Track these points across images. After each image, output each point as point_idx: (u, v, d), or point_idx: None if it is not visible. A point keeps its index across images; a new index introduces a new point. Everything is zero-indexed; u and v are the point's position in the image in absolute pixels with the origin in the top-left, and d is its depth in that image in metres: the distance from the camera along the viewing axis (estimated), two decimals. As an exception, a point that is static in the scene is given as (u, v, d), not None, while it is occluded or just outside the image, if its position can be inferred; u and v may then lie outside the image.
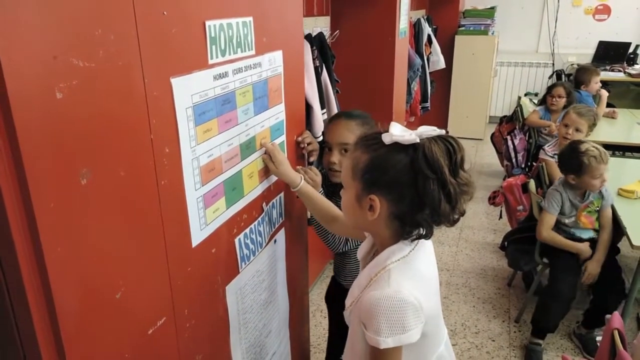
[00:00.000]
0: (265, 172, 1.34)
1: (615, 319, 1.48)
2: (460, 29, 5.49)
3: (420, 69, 4.06)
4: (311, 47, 2.38)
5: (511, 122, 4.17)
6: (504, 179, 3.70)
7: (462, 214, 0.96)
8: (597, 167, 2.24)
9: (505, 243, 2.84)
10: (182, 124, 0.96)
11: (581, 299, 2.78)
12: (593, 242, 2.38)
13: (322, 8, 2.84)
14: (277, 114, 1.37)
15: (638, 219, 2.27)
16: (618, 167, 3.04)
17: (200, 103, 1.01)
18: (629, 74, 5.32)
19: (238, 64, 1.13)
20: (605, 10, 5.77)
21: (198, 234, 1.06)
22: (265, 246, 1.40)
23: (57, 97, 0.69)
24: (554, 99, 3.67)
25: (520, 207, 3.01)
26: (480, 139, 5.74)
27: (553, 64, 6.01)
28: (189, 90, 0.97)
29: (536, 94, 5.80)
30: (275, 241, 1.46)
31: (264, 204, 1.36)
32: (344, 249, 1.58)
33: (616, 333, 1.43)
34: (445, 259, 3.28)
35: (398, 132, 0.92)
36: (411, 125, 0.96)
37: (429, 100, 4.50)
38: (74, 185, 0.73)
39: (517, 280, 3.03)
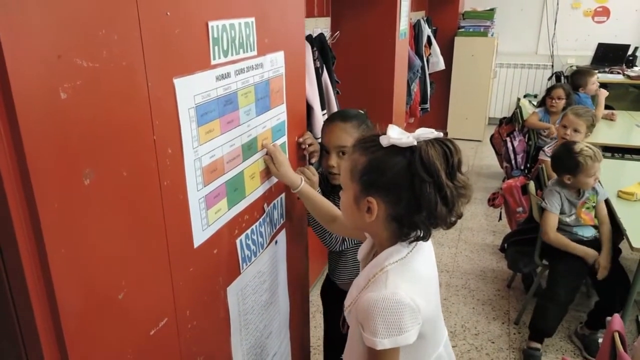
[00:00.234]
0: (267, 173, 1.34)
1: (616, 321, 1.48)
2: (460, 30, 5.50)
3: (420, 70, 4.07)
4: (312, 48, 2.38)
5: (510, 123, 4.18)
6: (503, 181, 3.70)
7: (460, 216, 0.96)
8: (592, 165, 2.29)
9: (505, 245, 2.84)
10: (185, 124, 0.96)
11: (580, 301, 2.79)
12: (594, 244, 2.38)
13: (323, 9, 2.84)
14: (279, 114, 1.37)
15: (638, 221, 2.28)
16: (617, 169, 3.05)
17: (202, 104, 1.01)
18: (628, 76, 5.33)
19: (240, 64, 1.13)
20: (605, 12, 5.78)
21: (200, 235, 1.06)
22: (267, 247, 1.40)
23: (61, 97, 0.69)
24: (553, 101, 3.67)
25: (520, 209, 3.02)
26: (480, 141, 5.75)
27: (552, 66, 6.02)
28: (191, 90, 0.97)
29: (535, 96, 5.81)
30: (276, 242, 1.46)
31: (265, 204, 1.36)
32: (340, 248, 1.58)
33: (617, 335, 1.43)
34: (445, 261, 3.28)
35: (395, 134, 0.93)
36: (411, 127, 0.96)
37: (428, 102, 4.51)
38: (77, 185, 0.73)
39: (517, 282, 3.03)
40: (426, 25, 4.51)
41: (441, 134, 0.95)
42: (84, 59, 0.71)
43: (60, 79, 0.68)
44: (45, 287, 0.72)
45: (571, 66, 5.81)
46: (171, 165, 0.94)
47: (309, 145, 1.54)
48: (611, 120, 4.04)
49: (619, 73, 5.41)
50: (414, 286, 0.95)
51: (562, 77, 5.64)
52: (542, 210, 2.44)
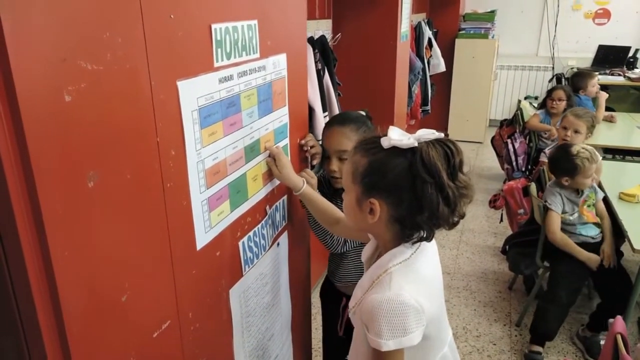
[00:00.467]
0: (269, 175, 1.34)
1: (618, 323, 1.48)
2: (461, 32, 5.50)
3: (420, 72, 4.07)
4: (313, 50, 2.38)
5: (511, 125, 4.18)
6: (504, 182, 3.70)
7: (462, 217, 0.96)
8: (590, 167, 2.32)
9: (506, 247, 2.84)
10: (188, 126, 0.96)
11: (582, 303, 2.78)
12: (598, 247, 2.39)
13: (324, 11, 2.85)
14: (281, 116, 1.37)
15: (639, 223, 2.28)
16: (618, 171, 3.05)
17: (205, 106, 1.01)
18: (629, 78, 5.33)
19: (243, 67, 1.13)
20: (605, 14, 5.79)
21: (203, 237, 1.06)
22: (269, 249, 1.40)
23: (65, 100, 0.69)
24: (554, 102, 3.67)
25: (521, 211, 3.02)
26: (481, 142, 5.75)
27: (553, 68, 6.02)
28: (194, 93, 0.97)
29: (536, 98, 5.81)
30: (278, 244, 1.46)
31: (268, 207, 1.36)
32: (342, 250, 1.58)
33: (619, 337, 1.43)
34: (446, 262, 3.28)
35: (396, 136, 0.93)
36: (412, 128, 0.96)
37: (429, 104, 4.51)
38: (81, 187, 0.73)
39: (519, 284, 3.03)
40: (427, 27, 4.51)
41: (442, 135, 0.95)
42: (88, 62, 0.72)
43: (64, 82, 0.69)
44: (49, 289, 0.72)
45: (572, 68, 5.82)
46: (174, 167, 0.94)
47: (311, 147, 1.54)
48: (611, 122, 4.04)
49: (619, 75, 5.41)
50: (418, 287, 0.95)
51: (563, 79, 5.65)
52: (544, 211, 2.44)
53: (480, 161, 5.27)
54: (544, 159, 3.03)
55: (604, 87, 4.25)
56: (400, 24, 2.92)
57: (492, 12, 5.62)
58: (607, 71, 5.49)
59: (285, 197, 1.47)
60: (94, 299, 0.79)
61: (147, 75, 0.84)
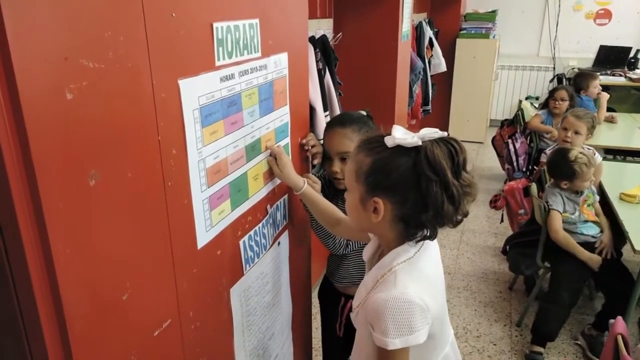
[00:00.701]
0: (270, 174, 1.34)
1: (619, 324, 1.48)
2: (462, 32, 5.50)
3: (421, 72, 4.07)
4: (314, 49, 2.38)
5: (512, 125, 4.17)
6: (505, 183, 3.70)
7: (465, 215, 0.96)
8: (588, 172, 2.36)
9: (507, 247, 2.84)
10: (189, 125, 0.96)
11: (583, 303, 2.78)
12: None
13: (325, 10, 2.85)
14: (282, 116, 1.37)
15: (640, 224, 2.28)
16: (619, 171, 3.05)
17: (207, 105, 1.01)
18: (630, 79, 5.33)
19: (244, 66, 1.13)
20: (606, 14, 5.78)
21: (203, 236, 1.06)
22: (269, 248, 1.40)
23: (67, 98, 0.69)
24: (556, 102, 3.67)
25: (522, 211, 3.02)
26: (481, 143, 5.75)
27: (554, 68, 6.02)
28: (196, 92, 0.97)
29: (537, 98, 5.81)
30: (279, 243, 1.46)
31: (269, 206, 1.36)
32: (344, 252, 1.57)
33: (620, 338, 1.43)
34: (447, 262, 3.28)
35: (400, 135, 0.93)
36: (412, 128, 0.96)
37: (430, 103, 4.51)
38: (82, 186, 0.73)
39: (519, 284, 3.03)
40: (428, 27, 4.51)
41: (445, 134, 0.95)
42: (90, 60, 0.72)
43: (66, 80, 0.68)
44: (51, 287, 0.72)
45: (573, 68, 5.81)
46: (175, 166, 0.94)
47: (312, 146, 1.54)
48: (612, 122, 4.04)
49: (620, 75, 5.41)
50: (423, 285, 0.96)
51: (564, 80, 5.64)
52: (546, 211, 2.44)
53: (481, 161, 5.27)
54: (544, 159, 3.02)
55: (605, 88, 4.25)
56: (402, 24, 2.92)
57: (493, 12, 5.61)
58: (608, 72, 5.48)
59: (286, 197, 1.47)
60: (95, 297, 0.79)
61: (148, 73, 0.84)
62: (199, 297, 1.08)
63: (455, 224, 0.97)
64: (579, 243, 2.39)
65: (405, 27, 3.05)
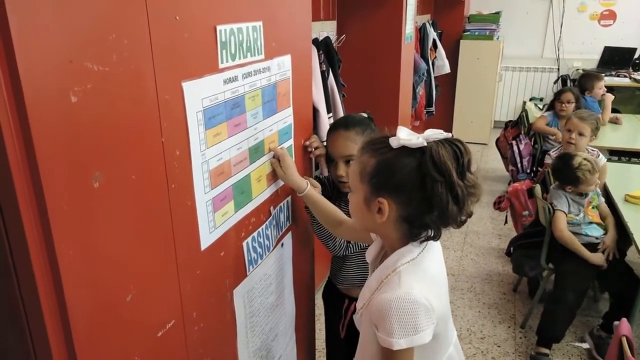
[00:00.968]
0: (273, 176, 1.35)
1: (624, 325, 1.47)
2: (465, 33, 5.49)
3: (425, 74, 4.07)
4: (318, 51, 2.39)
5: (516, 127, 4.17)
6: (509, 184, 3.69)
7: (470, 215, 0.97)
8: (592, 178, 2.38)
9: (511, 249, 2.83)
10: (193, 127, 0.97)
11: (587, 305, 2.77)
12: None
13: (329, 12, 2.85)
14: (286, 117, 1.38)
15: (645, 225, 2.27)
16: (624, 173, 3.04)
17: (210, 107, 1.01)
18: (635, 80, 5.31)
19: (247, 68, 1.14)
20: (611, 15, 5.77)
21: (207, 237, 1.07)
22: (273, 250, 1.40)
23: (72, 101, 0.69)
24: (563, 105, 3.65)
25: (526, 213, 3.01)
26: (485, 144, 5.74)
27: (558, 69, 6.01)
28: (199, 94, 0.97)
29: (541, 99, 5.80)
30: (282, 245, 1.47)
31: (272, 207, 1.37)
32: (345, 253, 1.57)
33: (624, 340, 1.42)
34: (450, 264, 3.27)
35: (405, 135, 0.93)
36: (416, 130, 0.96)
37: (434, 105, 4.50)
38: (86, 188, 0.74)
39: (523, 286, 3.02)
40: (432, 29, 4.51)
41: (450, 135, 0.95)
42: (94, 63, 0.72)
43: (70, 83, 0.69)
44: (55, 288, 0.72)
45: (577, 70, 5.80)
46: (179, 168, 0.94)
47: (315, 148, 1.55)
48: (616, 123, 4.02)
49: (625, 76, 5.39)
50: (427, 285, 0.96)
51: (568, 81, 5.62)
52: (550, 213, 2.44)
53: (485, 163, 5.26)
54: (549, 160, 3.02)
55: (609, 89, 4.23)
56: (405, 26, 2.92)
57: (497, 13, 5.60)
58: (613, 73, 5.47)
59: (289, 198, 1.47)
60: (99, 298, 0.79)
61: (152, 76, 0.84)
62: (203, 298, 1.09)
63: (459, 224, 0.97)
64: (582, 244, 2.39)
65: (409, 28, 3.05)
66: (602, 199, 2.54)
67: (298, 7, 1.39)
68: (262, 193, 1.29)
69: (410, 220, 0.96)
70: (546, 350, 2.38)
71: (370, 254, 1.13)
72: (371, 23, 2.91)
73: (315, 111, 2.28)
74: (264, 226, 1.33)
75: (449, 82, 5.41)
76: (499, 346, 2.53)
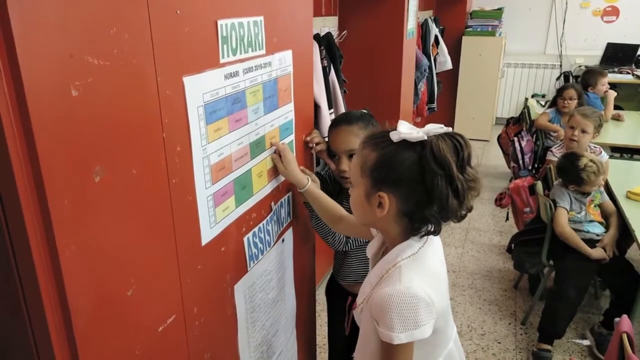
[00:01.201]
0: (274, 171, 1.35)
1: (624, 322, 1.47)
2: (468, 29, 5.48)
3: (427, 70, 4.05)
4: (319, 46, 2.38)
5: (518, 123, 4.16)
6: (510, 181, 3.69)
7: (470, 209, 0.97)
8: (597, 179, 2.39)
9: (512, 245, 2.83)
10: (194, 122, 0.96)
11: (588, 302, 2.77)
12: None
13: (330, 8, 2.84)
14: (287, 113, 1.37)
15: (647, 222, 2.27)
16: (626, 169, 3.03)
17: (211, 102, 1.01)
18: (638, 76, 5.29)
19: (248, 63, 1.14)
20: (614, 11, 5.74)
21: (208, 233, 1.07)
22: (274, 245, 1.40)
23: (72, 95, 0.69)
24: (565, 102, 3.64)
25: (527, 209, 3.01)
26: (487, 140, 5.73)
27: (561, 66, 5.99)
28: (200, 89, 0.97)
29: (543, 96, 5.78)
30: (283, 240, 1.47)
31: (273, 203, 1.37)
32: (345, 248, 1.57)
33: (625, 336, 1.42)
34: (451, 260, 3.27)
35: (406, 129, 0.94)
36: (418, 125, 0.96)
37: (435, 101, 4.50)
38: (87, 182, 0.74)
39: (524, 283, 3.02)
40: (434, 25, 4.50)
41: (450, 129, 0.95)
42: (95, 57, 0.72)
43: (71, 77, 0.69)
44: (56, 282, 0.72)
45: (580, 66, 5.78)
46: (180, 163, 0.94)
47: (317, 144, 1.54)
48: (619, 120, 4.01)
49: (628, 73, 5.37)
50: (427, 280, 0.96)
51: (571, 77, 5.61)
52: (552, 209, 2.44)
53: (487, 159, 5.25)
54: (550, 157, 3.01)
55: (612, 86, 4.22)
56: (407, 21, 2.91)
57: (500, 9, 5.58)
58: (616, 69, 5.45)
59: (290, 194, 1.47)
60: (100, 292, 0.80)
61: (153, 70, 0.84)
62: (204, 293, 1.09)
63: (460, 218, 0.97)
64: (582, 240, 2.40)
65: (411, 24, 3.04)
66: (606, 196, 2.54)
67: (299, 2, 1.38)
68: (263, 188, 1.29)
69: (411, 215, 0.96)
70: (548, 347, 2.38)
71: (371, 250, 1.13)
72: (373, 19, 2.90)
73: (316, 107, 2.27)
74: (264, 221, 1.33)
75: (451, 78, 5.39)
76: (499, 342, 2.53)
